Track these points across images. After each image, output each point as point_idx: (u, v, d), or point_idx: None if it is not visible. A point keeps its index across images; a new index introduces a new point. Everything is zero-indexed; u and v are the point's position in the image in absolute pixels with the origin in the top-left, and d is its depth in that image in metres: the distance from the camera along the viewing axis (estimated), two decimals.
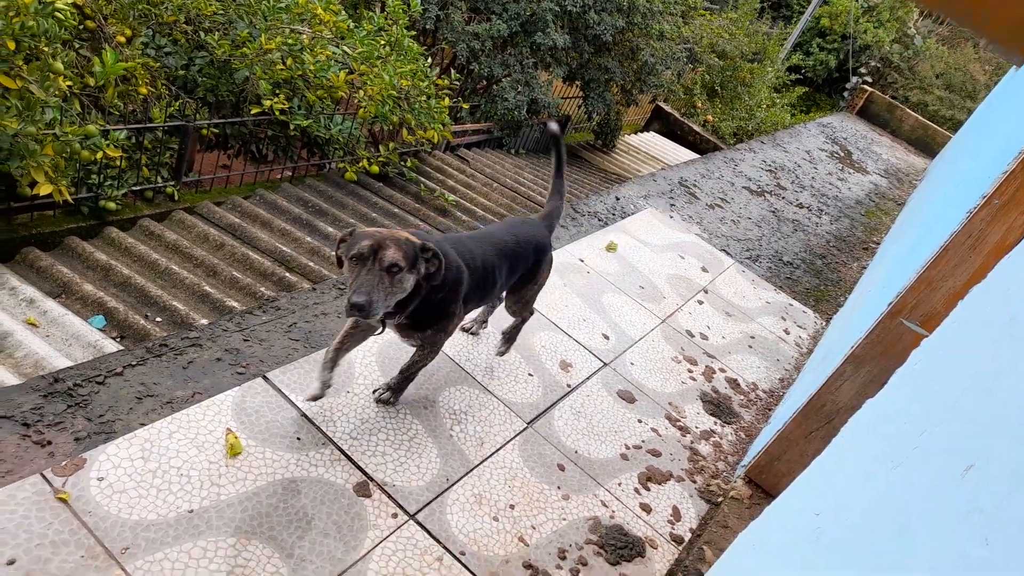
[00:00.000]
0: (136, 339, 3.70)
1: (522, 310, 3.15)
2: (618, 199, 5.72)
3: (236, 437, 2.43)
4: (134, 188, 4.64)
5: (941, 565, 0.78)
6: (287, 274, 4.44)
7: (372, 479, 2.50)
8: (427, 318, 2.48)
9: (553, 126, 3.03)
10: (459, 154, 7.97)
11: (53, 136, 3.77)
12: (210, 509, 2.18)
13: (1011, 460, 0.77)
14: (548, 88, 9.00)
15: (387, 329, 2.51)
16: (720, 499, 2.96)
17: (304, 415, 2.62)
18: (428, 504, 2.50)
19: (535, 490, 2.71)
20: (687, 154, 12.01)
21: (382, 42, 5.87)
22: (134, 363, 2.59)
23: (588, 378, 3.44)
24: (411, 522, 2.42)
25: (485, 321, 3.41)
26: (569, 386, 3.34)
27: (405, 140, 6.32)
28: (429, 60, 6.30)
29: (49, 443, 2.21)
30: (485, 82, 8.86)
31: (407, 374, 2.76)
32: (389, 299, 2.19)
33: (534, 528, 2.56)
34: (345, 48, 5.60)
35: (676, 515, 2.86)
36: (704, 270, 5.12)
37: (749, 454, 3.24)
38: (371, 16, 5.91)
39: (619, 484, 2.91)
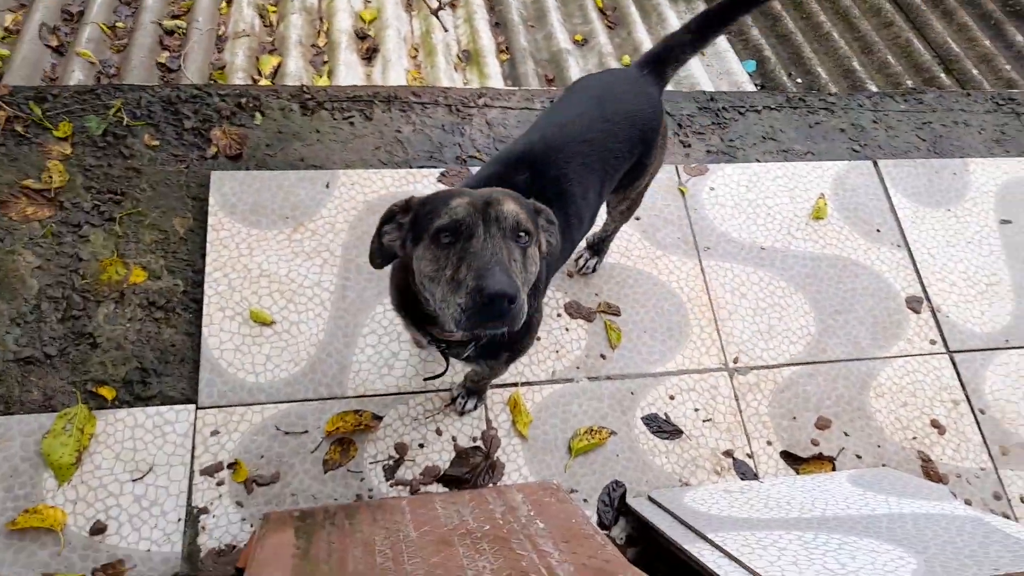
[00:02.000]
0: (776, 91, 4.02)
1: (625, 215, 2.10)
2: None
3: (825, 203, 2.62)
4: None
5: None
6: (942, 74, 4.06)
7: (929, 300, 2.47)
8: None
9: None
10: None
11: None
12: (778, 252, 2.51)
13: None
14: None
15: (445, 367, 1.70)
16: None
17: (893, 210, 2.64)
18: (973, 351, 2.39)
19: None
20: None
21: None
22: (773, 107, 2.91)
23: None
24: (946, 356, 2.38)
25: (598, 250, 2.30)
26: None
27: None
28: None
29: (689, 145, 2.75)
30: None
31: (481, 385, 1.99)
32: (525, 289, 1.25)
33: None
34: None
35: None
36: None
37: None
38: None
39: None
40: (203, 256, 2.14)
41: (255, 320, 2.06)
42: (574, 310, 2.24)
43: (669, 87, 3.77)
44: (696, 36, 1.71)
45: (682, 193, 2.58)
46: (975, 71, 4.10)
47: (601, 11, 4.23)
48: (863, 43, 4.28)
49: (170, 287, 2.09)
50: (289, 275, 2.15)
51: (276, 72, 3.21)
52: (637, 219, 2.47)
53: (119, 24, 3.36)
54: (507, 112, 2.61)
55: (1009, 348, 2.42)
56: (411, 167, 2.40)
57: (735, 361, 2.26)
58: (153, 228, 2.17)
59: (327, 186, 2.30)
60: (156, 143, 2.31)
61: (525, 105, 2.65)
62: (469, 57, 3.77)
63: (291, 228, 2.23)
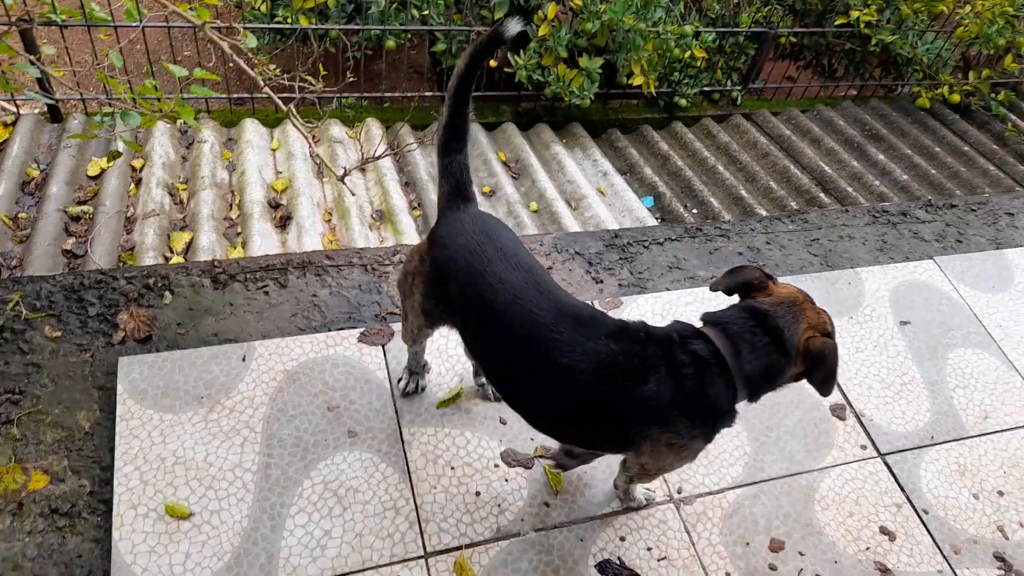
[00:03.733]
0: (674, 222, 4.28)
1: None
2: None
3: None
4: (705, 88, 5.14)
5: None
6: (821, 194, 4.45)
7: (852, 406, 2.55)
8: None
9: None
10: None
11: (656, 34, 4.41)
12: None
13: None
14: None
15: None
16: None
17: None
18: (903, 451, 2.45)
19: None
20: None
21: None
22: (673, 238, 3.08)
23: None
24: (879, 460, 2.42)
25: None
26: None
27: (1007, 67, 5.38)
28: None
29: (601, 281, 2.85)
30: None
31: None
32: None
33: (1022, 526, 2.28)
34: None
35: None
36: None
37: None
38: None
39: None
40: (111, 450, 1.99)
41: (171, 514, 1.90)
42: (511, 458, 2.18)
43: (576, 228, 3.97)
44: (459, 147, 1.77)
45: None
46: (849, 188, 4.51)
47: (505, 164, 4.49)
48: (746, 173, 4.67)
49: (75, 489, 1.92)
50: (207, 459, 2.02)
51: (188, 248, 3.19)
52: None
53: (21, 215, 3.31)
54: None
55: (935, 444, 2.49)
56: (330, 330, 2.37)
57: (679, 491, 2.22)
58: (55, 426, 2.02)
59: (243, 359, 2.23)
60: (58, 334, 2.21)
61: None
62: (383, 216, 3.88)
63: (207, 408, 2.12)
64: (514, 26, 1.49)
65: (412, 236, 3.67)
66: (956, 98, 5.36)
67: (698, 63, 4.92)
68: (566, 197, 4.28)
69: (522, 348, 1.57)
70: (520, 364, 1.60)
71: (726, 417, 1.64)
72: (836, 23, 5.13)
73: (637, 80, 4.54)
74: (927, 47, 5.18)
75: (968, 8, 4.97)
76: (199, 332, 2.29)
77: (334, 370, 2.27)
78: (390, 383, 2.28)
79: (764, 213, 4.28)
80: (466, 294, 1.65)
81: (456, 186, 1.77)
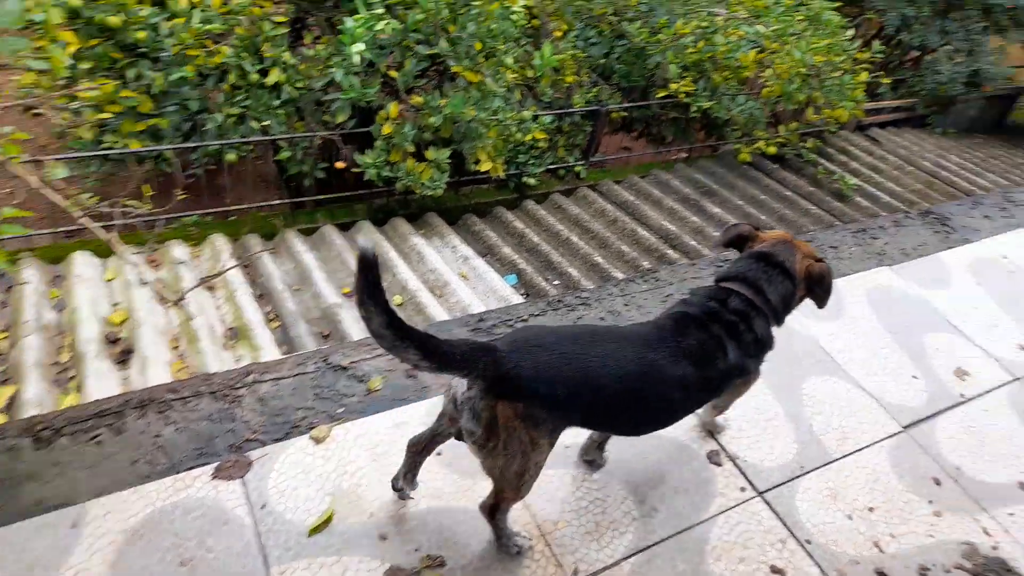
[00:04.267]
0: (537, 297, 4.37)
1: None
2: None
3: None
4: (550, 166, 5.39)
5: None
6: (669, 251, 4.71)
7: (725, 450, 2.61)
8: None
9: None
10: (869, 134, 7.26)
11: (497, 121, 4.60)
12: (576, 447, 2.55)
13: None
14: (998, 56, 7.58)
15: None
16: None
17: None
18: (778, 486, 2.52)
19: (900, 498, 2.50)
20: None
21: (799, 17, 5.68)
22: (537, 314, 3.11)
23: (990, 391, 2.97)
24: (759, 499, 2.47)
25: None
26: (963, 396, 2.94)
27: (808, 119, 6.04)
28: (851, 33, 5.89)
29: None
30: (916, 53, 7.84)
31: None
32: None
33: (893, 537, 2.38)
34: (759, 26, 5.56)
35: None
36: None
37: None
38: None
39: (1011, 514, 2.50)
40: None
41: None
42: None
43: (443, 315, 3.95)
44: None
45: None
46: (693, 242, 4.79)
47: None
48: (599, 240, 4.87)
49: None
50: None
51: (11, 404, 2.87)
52: (438, 454, 2.41)
53: None
54: (279, 383, 2.52)
55: (806, 473, 2.58)
56: (178, 472, 2.16)
57: (575, 573, 2.16)
58: None
59: (73, 526, 1.98)
60: None
61: (298, 371, 2.58)
62: (237, 334, 3.69)
63: None
64: (364, 242, 1.48)
65: (271, 351, 3.50)
66: (772, 150, 5.92)
67: (541, 144, 5.17)
68: (429, 286, 4.26)
69: (637, 387, 1.82)
70: (637, 399, 1.85)
71: (770, 344, 2.05)
72: (659, 96, 5.58)
73: (485, 166, 4.68)
74: (740, 108, 5.72)
75: (769, 72, 5.57)
76: (18, 503, 2.01)
77: (186, 517, 2.06)
78: (253, 519, 2.09)
79: (621, 276, 4.46)
80: (574, 394, 1.75)
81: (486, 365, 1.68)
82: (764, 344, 2.02)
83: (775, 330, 2.06)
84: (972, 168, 6.81)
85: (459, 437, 1.87)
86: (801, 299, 2.07)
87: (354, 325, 3.79)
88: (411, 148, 4.46)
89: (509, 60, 4.65)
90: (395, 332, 1.52)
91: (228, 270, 2.45)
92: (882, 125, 7.66)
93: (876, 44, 6.03)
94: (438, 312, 3.96)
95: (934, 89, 7.38)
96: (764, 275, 1.99)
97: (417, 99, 4.47)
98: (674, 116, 6.00)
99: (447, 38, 4.39)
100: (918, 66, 7.72)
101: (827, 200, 5.57)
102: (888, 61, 7.85)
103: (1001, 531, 2.45)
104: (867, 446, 2.68)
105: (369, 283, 1.47)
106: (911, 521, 2.44)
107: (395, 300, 4.11)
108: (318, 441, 2.36)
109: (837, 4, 5.90)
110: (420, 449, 2.08)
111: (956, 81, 7.27)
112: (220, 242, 4.23)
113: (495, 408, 1.68)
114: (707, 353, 1.90)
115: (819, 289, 2.04)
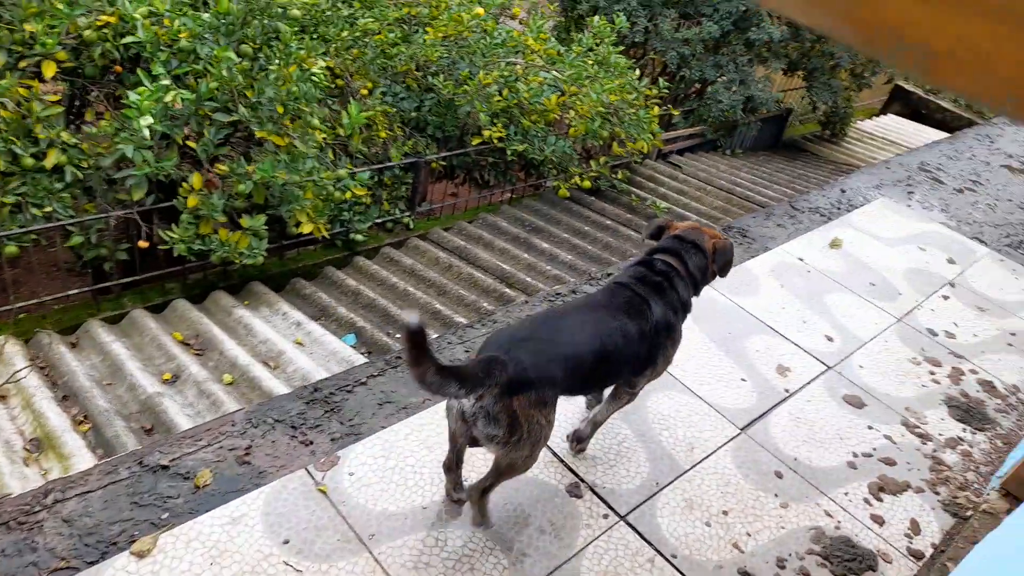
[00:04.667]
0: (381, 353, 4.22)
1: None
2: (844, 191, 5.29)
3: None
4: (377, 220, 5.29)
5: None
6: (507, 290, 4.76)
7: (583, 480, 2.62)
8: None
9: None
10: (671, 160, 7.90)
11: (312, 182, 4.45)
12: (439, 503, 2.44)
13: None
14: (766, 83, 8.59)
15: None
16: (969, 512, 2.63)
17: None
18: (638, 506, 2.55)
19: (750, 497, 2.64)
20: (935, 134, 10.64)
21: (590, 62, 6.07)
22: (375, 374, 2.98)
23: (809, 383, 3.25)
24: (622, 523, 2.49)
25: None
26: (787, 391, 3.18)
27: (616, 153, 6.44)
28: (638, 72, 6.38)
29: (311, 443, 2.63)
30: (698, 85, 8.69)
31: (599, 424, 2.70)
32: None
33: (749, 535, 2.49)
34: (555, 72, 5.88)
35: (915, 528, 2.60)
36: (951, 262, 4.54)
37: (1007, 464, 2.83)
38: (579, 38, 6.14)
39: (845, 494, 2.71)
40: None
41: None
42: None
43: (282, 388, 3.68)
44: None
45: (323, 493, 2.40)
46: (528, 278, 4.88)
47: (183, 343, 4.06)
48: (437, 288, 4.82)
49: None
50: None
51: None
52: (286, 543, 2.20)
53: None
54: (87, 497, 2.19)
55: (662, 489, 2.64)
56: None
57: None
58: None
59: None
60: None
61: (108, 480, 2.26)
62: (40, 445, 3.21)
63: None
64: (411, 318, 1.70)
65: (84, 457, 3.07)
66: (587, 184, 6.23)
67: (364, 199, 5.06)
68: (262, 359, 3.98)
69: (599, 346, 2.14)
70: (603, 356, 2.15)
71: (688, 307, 2.42)
72: (474, 143, 5.70)
73: (307, 228, 4.50)
74: (552, 148, 5.97)
75: (572, 113, 5.88)
76: None
77: None
78: None
79: (464, 320, 4.43)
80: (565, 367, 2.05)
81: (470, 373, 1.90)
82: (685, 305, 2.40)
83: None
84: (762, 182, 7.59)
85: (472, 444, 2.11)
86: (713, 274, 2.45)
87: (180, 413, 3.44)
88: (222, 218, 4.18)
89: (316, 121, 4.54)
90: (441, 377, 1.76)
91: (16, 375, 2.11)
92: (681, 152, 8.37)
93: (662, 81, 6.59)
94: (276, 385, 3.69)
95: (719, 115, 8.19)
96: (684, 251, 2.39)
97: (222, 168, 4.22)
98: (492, 160, 6.15)
99: (246, 104, 4.21)
100: (702, 96, 8.54)
101: (644, 224, 5.93)
102: (676, 94, 8.62)
103: (840, 511, 2.65)
104: (713, 452, 2.81)
105: (420, 350, 1.70)
106: (763, 517, 2.57)
107: (225, 380, 3.78)
108: (141, 556, 2.07)
109: (621, 48, 6.40)
110: (453, 466, 2.33)
111: (735, 107, 8.12)
112: (9, 345, 3.69)
113: (511, 405, 1.92)
114: (637, 307, 2.27)
115: (720, 259, 2.43)
